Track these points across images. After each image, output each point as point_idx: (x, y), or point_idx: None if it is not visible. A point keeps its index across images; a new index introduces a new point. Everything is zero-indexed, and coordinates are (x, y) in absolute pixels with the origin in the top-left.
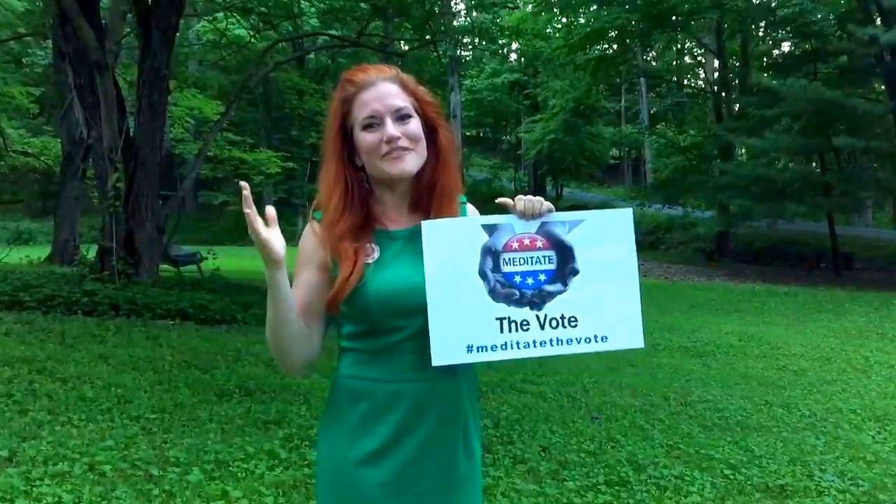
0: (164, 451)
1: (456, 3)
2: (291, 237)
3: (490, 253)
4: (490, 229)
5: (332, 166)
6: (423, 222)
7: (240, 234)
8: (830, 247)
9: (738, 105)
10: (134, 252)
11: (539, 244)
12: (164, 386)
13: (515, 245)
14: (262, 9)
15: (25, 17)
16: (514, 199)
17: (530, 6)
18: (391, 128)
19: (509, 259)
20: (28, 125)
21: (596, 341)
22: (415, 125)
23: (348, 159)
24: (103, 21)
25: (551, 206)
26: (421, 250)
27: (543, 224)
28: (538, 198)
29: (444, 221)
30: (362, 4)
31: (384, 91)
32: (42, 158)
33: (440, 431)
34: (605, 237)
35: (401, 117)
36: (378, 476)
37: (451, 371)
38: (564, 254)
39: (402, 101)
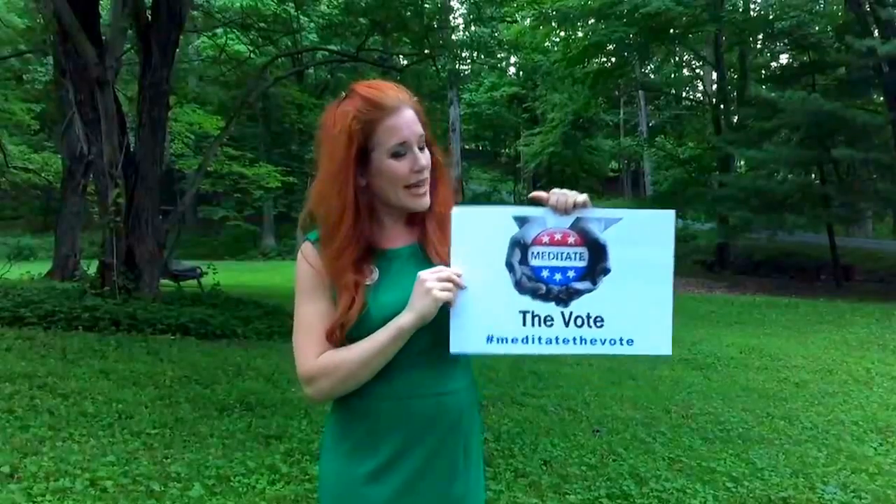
0: (165, 467)
1: (454, 18)
2: (291, 251)
3: (518, 245)
4: (521, 221)
5: (343, 190)
6: (453, 209)
7: (239, 248)
8: (831, 258)
9: (736, 117)
10: (134, 267)
11: (571, 240)
12: (165, 401)
13: (546, 239)
14: (262, 24)
15: (26, 34)
16: (548, 192)
17: (528, 20)
18: (421, 157)
19: (538, 253)
20: (29, 141)
21: (621, 344)
22: (429, 152)
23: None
24: (103, 37)
25: (587, 199)
26: (421, 268)
27: (578, 220)
28: (573, 192)
29: (475, 209)
30: (361, 19)
31: (410, 117)
32: (43, 174)
33: (441, 449)
34: (643, 238)
35: (422, 146)
36: (382, 493)
37: (452, 388)
38: (597, 251)
39: (421, 127)
